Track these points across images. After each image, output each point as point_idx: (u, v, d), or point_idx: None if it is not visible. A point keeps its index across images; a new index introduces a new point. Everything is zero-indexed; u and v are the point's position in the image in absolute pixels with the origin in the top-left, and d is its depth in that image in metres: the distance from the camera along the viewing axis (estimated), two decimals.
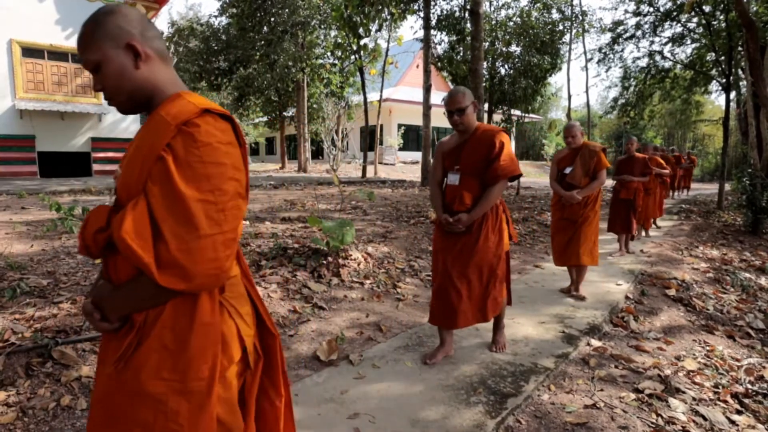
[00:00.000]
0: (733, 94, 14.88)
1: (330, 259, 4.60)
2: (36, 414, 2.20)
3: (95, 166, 16.76)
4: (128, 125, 17.78)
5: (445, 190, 2.94)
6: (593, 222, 4.35)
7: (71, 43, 16.09)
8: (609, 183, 8.59)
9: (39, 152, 15.86)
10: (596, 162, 4.25)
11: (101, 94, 17.52)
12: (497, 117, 16.54)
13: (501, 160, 2.73)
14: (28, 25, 15.16)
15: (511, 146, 2.82)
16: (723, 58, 13.25)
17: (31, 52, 15.49)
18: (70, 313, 3.12)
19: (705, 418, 2.50)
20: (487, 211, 2.80)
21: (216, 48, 20.36)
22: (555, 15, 14.82)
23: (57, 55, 15.97)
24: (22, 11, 15.05)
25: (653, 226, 8.78)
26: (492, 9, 15.34)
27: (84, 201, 8.76)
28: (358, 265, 4.73)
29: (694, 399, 2.70)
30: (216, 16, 20.52)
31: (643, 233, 8.02)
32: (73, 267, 4.20)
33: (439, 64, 15.92)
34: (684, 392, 2.75)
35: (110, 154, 17.10)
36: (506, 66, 14.85)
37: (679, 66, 16.11)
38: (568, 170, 4.37)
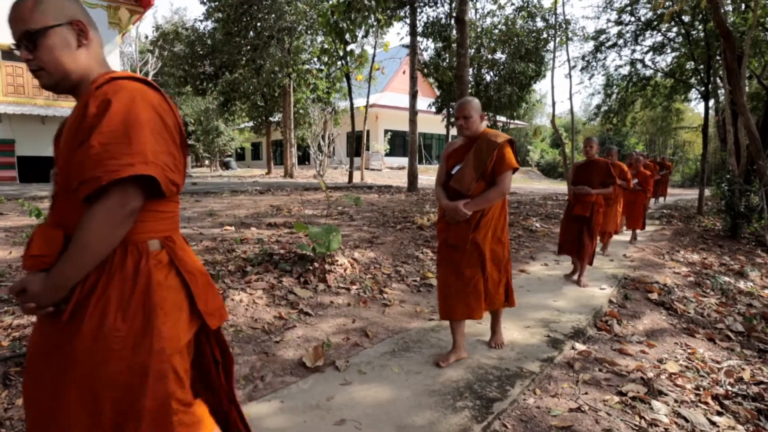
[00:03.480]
0: (711, 102, 15.22)
1: (316, 264, 4.58)
2: (14, 425, 2.14)
3: None
4: None
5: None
6: (497, 252, 2.97)
7: None
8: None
9: (19, 157, 15.56)
10: (496, 160, 2.84)
11: None
12: (483, 123, 16.69)
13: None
14: (7, 27, 14.90)
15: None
16: (702, 66, 13.57)
17: (10, 54, 15.21)
18: None
19: (687, 420, 2.54)
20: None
21: (201, 52, 20.23)
22: (539, 23, 15.08)
23: None
24: (1, 13, 14.78)
25: (634, 240, 8.13)
26: (477, 17, 15.53)
27: None
28: (345, 270, 4.72)
29: (676, 401, 2.74)
30: (202, 21, 20.41)
31: (602, 251, 6.92)
32: None
33: (425, 70, 16.04)
34: (666, 394, 2.79)
35: None
36: (491, 73, 15.04)
37: (659, 74, 16.45)
38: (456, 169, 3.01)
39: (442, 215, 3.03)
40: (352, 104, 18.31)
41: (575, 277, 5.24)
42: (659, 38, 15.48)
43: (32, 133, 15.74)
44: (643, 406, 2.63)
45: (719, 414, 2.69)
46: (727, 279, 5.97)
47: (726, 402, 2.84)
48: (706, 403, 2.79)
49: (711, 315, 4.66)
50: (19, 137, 15.47)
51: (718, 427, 2.53)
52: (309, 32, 19.37)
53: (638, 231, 8.32)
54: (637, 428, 2.41)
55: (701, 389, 2.97)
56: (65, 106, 16.19)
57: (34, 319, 3.08)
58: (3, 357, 2.54)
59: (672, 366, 3.25)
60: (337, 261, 4.78)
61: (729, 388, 3.03)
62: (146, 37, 32.62)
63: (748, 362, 3.57)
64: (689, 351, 3.67)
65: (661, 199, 16.12)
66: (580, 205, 5.13)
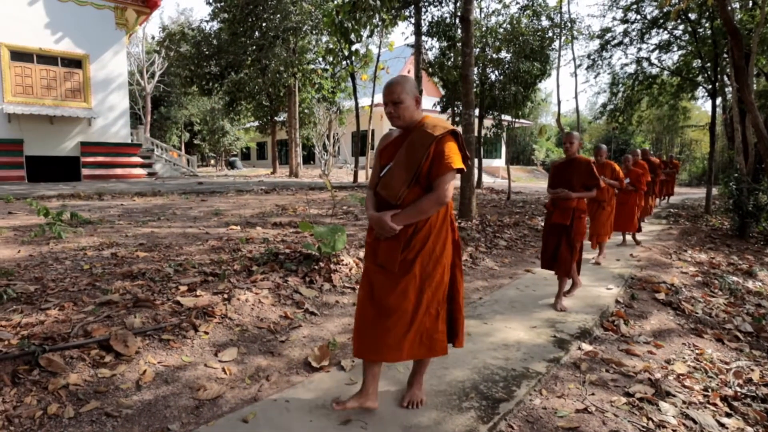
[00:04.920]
0: (719, 100, 15.11)
1: (321, 264, 4.58)
2: (22, 422, 2.16)
3: (84, 171, 16.61)
4: (118, 130, 17.66)
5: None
6: (434, 277, 2.26)
7: (61, 47, 15.99)
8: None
9: (27, 156, 15.70)
10: (433, 158, 2.19)
11: (91, 98, 17.42)
12: (488, 122, 16.66)
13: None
14: (16, 29, 15.04)
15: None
16: (709, 64, 13.47)
17: (19, 55, 15.36)
18: (57, 320, 3.08)
19: (695, 422, 2.52)
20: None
21: (207, 53, 20.32)
22: (544, 22, 15.00)
23: (46, 58, 15.85)
24: (11, 15, 14.91)
25: (632, 240, 7.71)
26: (482, 16, 15.48)
27: (72, 206, 8.66)
28: (350, 270, 4.72)
29: (684, 402, 2.72)
30: (207, 21, 20.50)
31: (599, 256, 6.38)
32: (61, 273, 4.15)
33: (430, 69, 16.01)
34: (674, 396, 2.77)
35: (100, 159, 16.95)
36: (496, 72, 14.98)
37: (666, 72, 16.35)
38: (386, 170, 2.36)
39: (372, 227, 2.34)
40: (357, 104, 18.32)
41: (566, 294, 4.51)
42: (665, 36, 15.40)
43: (40, 133, 15.87)
44: (650, 408, 2.62)
45: (728, 415, 2.67)
46: (735, 279, 5.93)
47: (735, 403, 2.82)
48: (715, 405, 2.76)
49: (719, 315, 4.62)
50: (28, 137, 15.60)
51: (726, 428, 2.51)
52: (314, 32, 19.41)
53: (635, 233, 7.71)
54: (644, 430, 2.40)
55: (710, 390, 2.94)
56: (73, 106, 16.32)
57: (41, 316, 3.10)
58: (12, 355, 2.56)
59: (680, 367, 3.23)
60: (343, 260, 4.79)
61: (738, 389, 3.01)
62: (153, 38, 32.81)
63: (757, 363, 3.54)
64: (697, 352, 3.64)
65: (666, 199, 16.01)
66: (559, 212, 4.35)
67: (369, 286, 2.32)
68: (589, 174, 4.34)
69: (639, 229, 7.73)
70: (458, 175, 2.26)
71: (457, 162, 2.18)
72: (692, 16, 13.28)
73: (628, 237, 7.86)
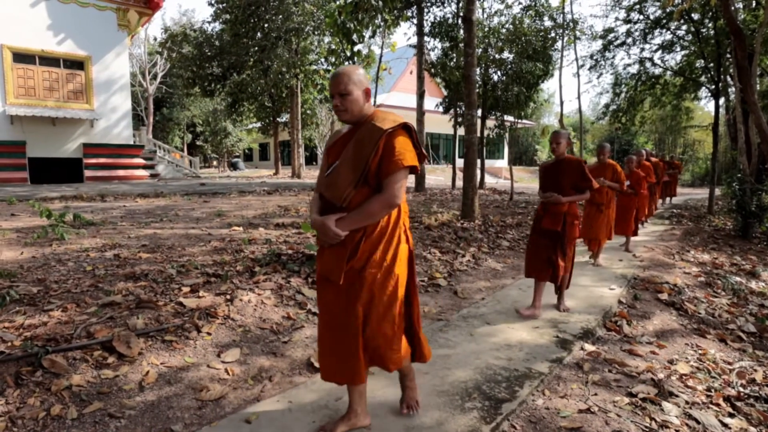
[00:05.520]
0: (722, 101, 15.06)
1: None
2: (25, 424, 2.17)
3: (87, 172, 16.65)
4: (121, 131, 17.70)
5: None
6: (386, 288, 2.03)
7: (63, 49, 16.04)
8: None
9: (30, 158, 15.74)
10: (382, 155, 1.97)
11: (93, 100, 17.46)
12: (491, 123, 16.65)
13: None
14: (18, 31, 15.08)
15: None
16: (712, 65, 13.44)
17: (22, 57, 15.41)
18: (60, 321, 3.09)
19: (698, 422, 2.51)
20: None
21: (209, 54, 20.35)
22: (547, 22, 14.98)
23: (48, 60, 15.90)
24: (13, 16, 14.96)
25: (628, 251, 7.15)
26: (485, 16, 15.48)
27: (75, 207, 8.69)
28: None
29: (687, 402, 2.71)
30: (209, 22, 20.53)
31: (591, 259, 6.24)
32: (64, 274, 4.16)
33: (432, 70, 16.01)
34: (677, 396, 2.76)
35: (102, 160, 16.99)
36: (499, 72, 14.97)
37: (669, 73, 16.31)
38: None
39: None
40: None
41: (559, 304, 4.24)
42: (668, 36, 15.36)
43: (43, 135, 15.91)
44: (653, 408, 2.61)
45: (731, 416, 2.66)
46: (738, 279, 5.91)
47: (738, 403, 2.81)
48: (718, 405, 2.75)
49: (722, 315, 4.61)
50: (30, 139, 15.64)
51: (729, 429, 2.50)
52: (316, 33, 19.42)
53: (629, 239, 7.30)
54: (647, 430, 2.39)
55: (712, 390, 2.94)
56: (75, 108, 16.36)
57: (44, 318, 3.11)
58: (15, 356, 2.57)
59: (683, 367, 3.22)
60: None
61: (741, 389, 3.00)
62: (155, 39, 32.89)
63: (760, 363, 3.52)
64: (700, 352, 3.63)
65: (669, 200, 15.97)
66: (549, 217, 4.04)
67: (321, 302, 2.12)
68: (581, 175, 4.01)
69: (635, 233, 7.37)
70: (412, 175, 2.19)
71: (409, 159, 1.96)
72: (695, 16, 13.24)
73: (623, 240, 7.34)
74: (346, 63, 17.86)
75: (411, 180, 20.11)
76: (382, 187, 1.96)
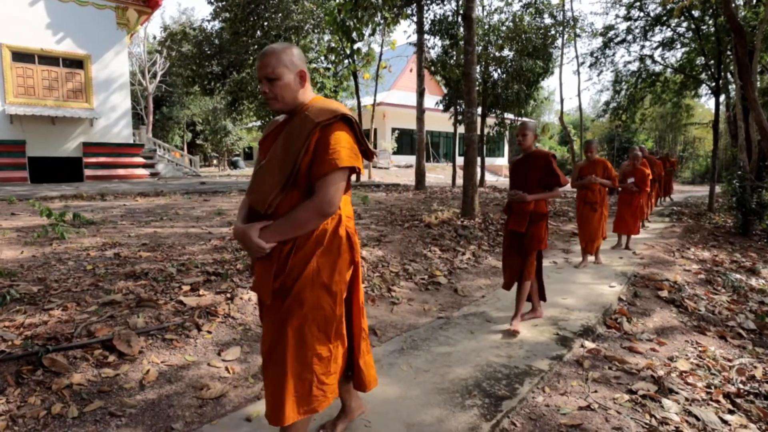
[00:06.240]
0: (722, 98, 15.05)
1: None
2: (26, 422, 2.17)
3: (87, 171, 16.64)
4: (120, 130, 17.69)
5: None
6: (322, 308, 1.73)
7: (62, 48, 16.02)
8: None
9: (29, 157, 15.73)
10: (315, 151, 1.67)
11: (93, 99, 17.43)
12: (491, 121, 16.63)
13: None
14: (18, 30, 15.06)
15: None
16: (712, 62, 13.42)
17: (21, 56, 15.39)
18: (61, 320, 3.09)
19: (698, 419, 2.51)
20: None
21: (209, 52, 20.30)
22: (547, 20, 14.97)
23: (48, 59, 15.87)
24: (12, 15, 14.93)
25: (620, 246, 7.09)
26: (485, 14, 15.46)
27: (75, 206, 8.69)
28: None
29: (687, 399, 2.71)
30: (209, 21, 20.48)
31: (589, 257, 6.03)
32: (64, 273, 4.16)
33: (432, 68, 15.99)
34: (677, 393, 2.77)
35: (102, 159, 16.98)
36: (499, 70, 14.96)
37: (669, 70, 16.29)
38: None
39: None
40: (359, 103, 18.32)
41: (513, 320, 3.65)
42: (669, 34, 15.34)
43: (42, 134, 15.90)
44: (653, 405, 2.61)
45: (731, 412, 2.66)
46: (738, 276, 5.91)
47: (738, 400, 2.81)
48: (718, 402, 2.76)
49: (722, 312, 4.61)
50: (30, 138, 15.63)
51: (729, 425, 2.50)
52: (316, 31, 19.39)
53: (629, 238, 7.20)
54: (647, 427, 2.39)
55: (712, 387, 2.94)
56: (75, 107, 16.35)
57: (44, 317, 3.12)
58: (16, 355, 2.57)
59: (683, 364, 3.22)
60: None
61: (741, 386, 3.00)
62: (154, 38, 32.82)
63: (760, 360, 3.53)
64: (700, 349, 3.63)
65: (666, 199, 15.95)
66: (514, 217, 3.68)
67: (262, 323, 1.85)
68: (547, 170, 3.60)
69: (636, 231, 7.14)
70: (353, 176, 1.79)
71: (347, 158, 1.63)
72: (695, 13, 13.22)
73: (624, 239, 7.20)
74: (347, 61, 17.86)
75: (411, 178, 20.11)
76: (314, 191, 1.64)
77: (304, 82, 1.74)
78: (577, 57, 16.85)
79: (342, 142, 1.65)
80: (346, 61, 17.80)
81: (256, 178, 1.77)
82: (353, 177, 1.87)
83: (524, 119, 3.62)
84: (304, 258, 1.69)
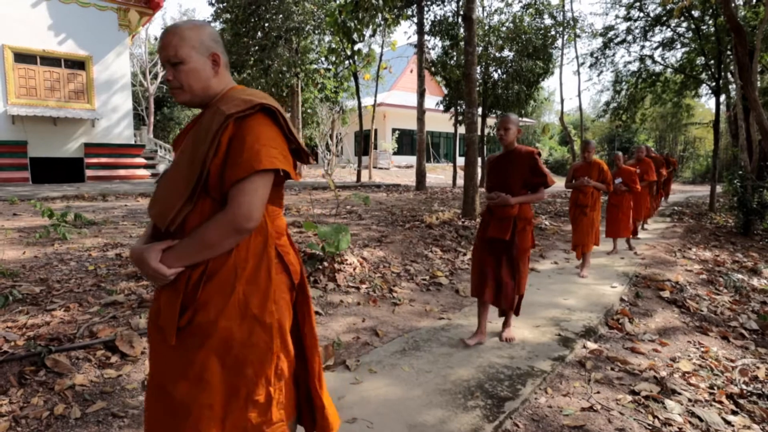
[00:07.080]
0: (722, 98, 15.05)
1: (326, 264, 4.59)
2: (29, 423, 2.17)
3: (88, 172, 16.65)
4: (122, 130, 17.71)
5: None
6: (254, 348, 1.32)
7: (64, 49, 16.04)
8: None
9: (31, 158, 15.75)
10: (229, 150, 1.28)
11: (95, 100, 17.45)
12: (491, 121, 16.64)
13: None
14: (20, 31, 15.09)
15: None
16: (712, 62, 13.41)
17: (23, 57, 15.41)
18: (63, 321, 3.09)
19: (701, 419, 2.51)
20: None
21: None
22: (547, 20, 14.98)
23: (50, 60, 15.90)
24: (14, 16, 14.96)
25: (627, 246, 6.91)
26: (485, 14, 15.47)
27: (77, 207, 8.70)
28: (354, 269, 4.72)
29: (689, 400, 2.71)
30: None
31: (583, 268, 5.55)
32: (66, 274, 4.17)
33: (432, 68, 16.01)
34: (680, 393, 2.76)
35: (103, 160, 16.99)
36: (499, 70, 14.97)
37: (669, 70, 16.29)
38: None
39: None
40: (360, 103, 18.34)
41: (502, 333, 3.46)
42: (669, 34, 15.35)
43: (44, 135, 15.91)
44: (656, 406, 2.61)
45: (734, 413, 2.66)
46: (740, 276, 5.90)
47: (741, 401, 2.81)
48: (721, 403, 2.75)
49: (724, 313, 4.61)
50: (32, 139, 15.65)
51: (732, 426, 2.50)
52: (317, 32, 19.39)
53: (630, 238, 6.98)
54: (650, 428, 2.39)
55: (715, 388, 2.93)
56: (77, 108, 16.37)
57: (46, 317, 3.12)
58: (19, 356, 2.57)
59: (685, 365, 3.22)
60: (347, 260, 4.79)
61: (744, 386, 3.00)
62: (155, 39, 32.86)
63: (762, 361, 3.52)
64: (702, 349, 3.63)
65: (663, 200, 15.92)
66: (496, 223, 3.27)
67: (152, 363, 1.38)
68: (532, 169, 3.20)
69: (635, 233, 7.07)
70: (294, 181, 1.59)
71: (268, 158, 1.25)
72: (695, 13, 13.22)
73: (618, 244, 6.95)
74: (347, 62, 17.87)
75: (412, 178, 20.13)
76: (227, 200, 1.26)
77: (218, 68, 1.38)
78: (577, 57, 16.86)
79: (262, 139, 1.27)
80: (346, 61, 17.81)
81: (159, 187, 1.39)
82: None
83: (506, 113, 3.32)
84: (223, 287, 1.29)
